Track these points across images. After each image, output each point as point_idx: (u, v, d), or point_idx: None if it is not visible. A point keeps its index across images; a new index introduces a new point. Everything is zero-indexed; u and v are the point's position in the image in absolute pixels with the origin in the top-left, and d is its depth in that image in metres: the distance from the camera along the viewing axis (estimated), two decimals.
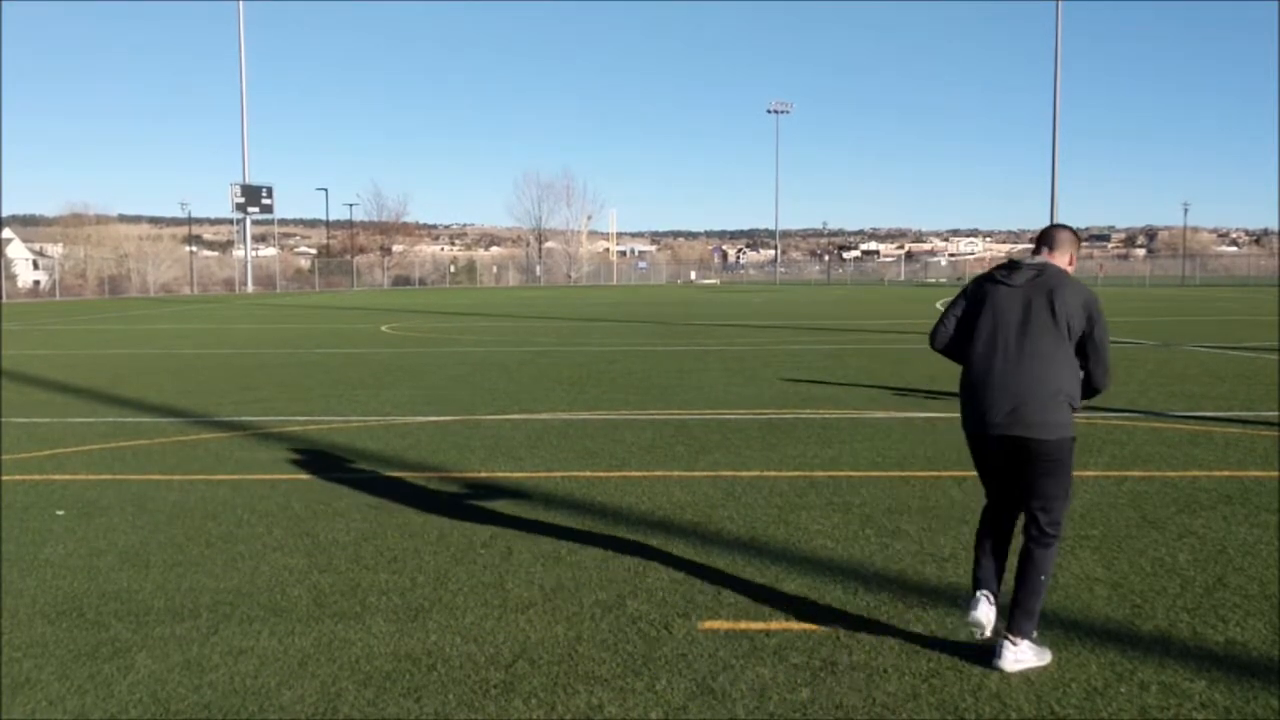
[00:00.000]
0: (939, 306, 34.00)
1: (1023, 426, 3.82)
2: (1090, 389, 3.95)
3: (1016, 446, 3.86)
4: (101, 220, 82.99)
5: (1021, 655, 3.81)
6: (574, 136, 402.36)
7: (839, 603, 4.52)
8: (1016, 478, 3.95)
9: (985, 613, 3.90)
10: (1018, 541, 3.99)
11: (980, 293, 4.01)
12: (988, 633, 3.93)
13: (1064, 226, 4.15)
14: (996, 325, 3.92)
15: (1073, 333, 3.84)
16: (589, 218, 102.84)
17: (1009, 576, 3.97)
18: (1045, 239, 4.10)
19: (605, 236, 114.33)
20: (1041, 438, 3.81)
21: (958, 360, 4.08)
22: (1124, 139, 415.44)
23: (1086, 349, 3.88)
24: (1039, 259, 4.00)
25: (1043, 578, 3.86)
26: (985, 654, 3.90)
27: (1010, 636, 3.81)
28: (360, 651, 4.02)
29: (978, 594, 3.94)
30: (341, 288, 76.72)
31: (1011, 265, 4.00)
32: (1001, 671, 3.77)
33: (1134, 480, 6.84)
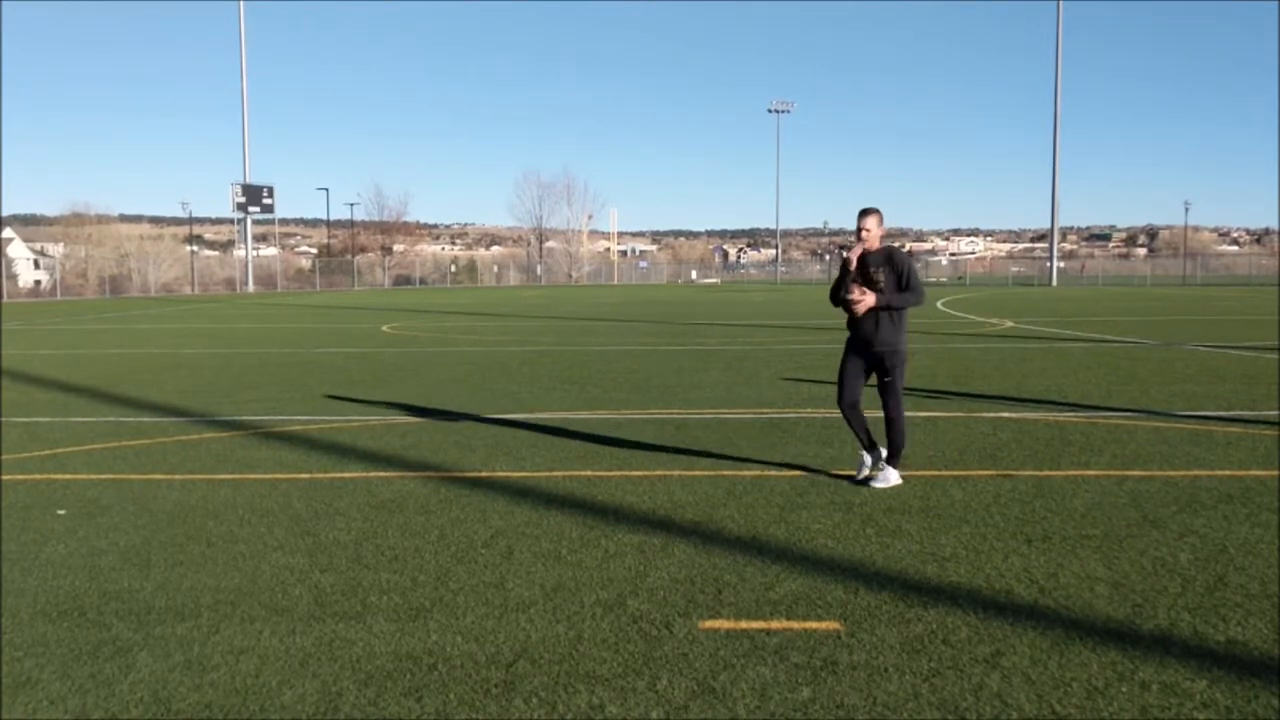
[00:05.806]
0: (940, 306, 34.00)
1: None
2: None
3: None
4: (102, 220, 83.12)
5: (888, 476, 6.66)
6: (574, 136, 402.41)
7: (840, 602, 4.52)
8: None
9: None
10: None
11: None
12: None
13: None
14: None
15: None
16: (589, 217, 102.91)
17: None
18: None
19: (606, 236, 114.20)
20: None
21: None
22: (1124, 139, 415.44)
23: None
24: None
25: None
26: (986, 654, 3.90)
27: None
28: (361, 651, 4.02)
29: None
30: (342, 287, 76.74)
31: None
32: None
33: (1135, 479, 6.84)
